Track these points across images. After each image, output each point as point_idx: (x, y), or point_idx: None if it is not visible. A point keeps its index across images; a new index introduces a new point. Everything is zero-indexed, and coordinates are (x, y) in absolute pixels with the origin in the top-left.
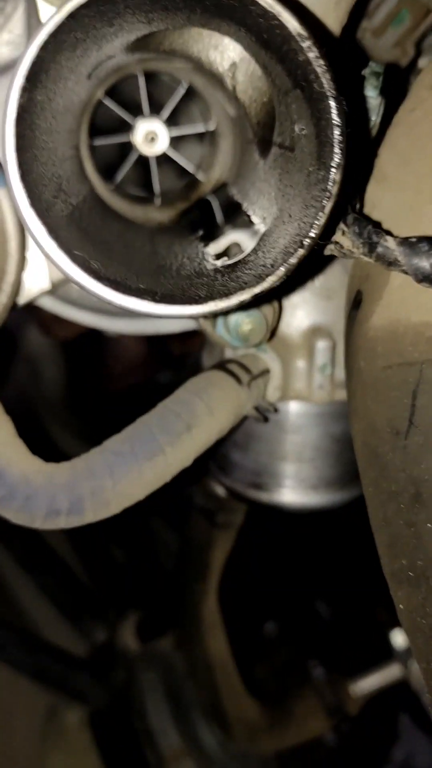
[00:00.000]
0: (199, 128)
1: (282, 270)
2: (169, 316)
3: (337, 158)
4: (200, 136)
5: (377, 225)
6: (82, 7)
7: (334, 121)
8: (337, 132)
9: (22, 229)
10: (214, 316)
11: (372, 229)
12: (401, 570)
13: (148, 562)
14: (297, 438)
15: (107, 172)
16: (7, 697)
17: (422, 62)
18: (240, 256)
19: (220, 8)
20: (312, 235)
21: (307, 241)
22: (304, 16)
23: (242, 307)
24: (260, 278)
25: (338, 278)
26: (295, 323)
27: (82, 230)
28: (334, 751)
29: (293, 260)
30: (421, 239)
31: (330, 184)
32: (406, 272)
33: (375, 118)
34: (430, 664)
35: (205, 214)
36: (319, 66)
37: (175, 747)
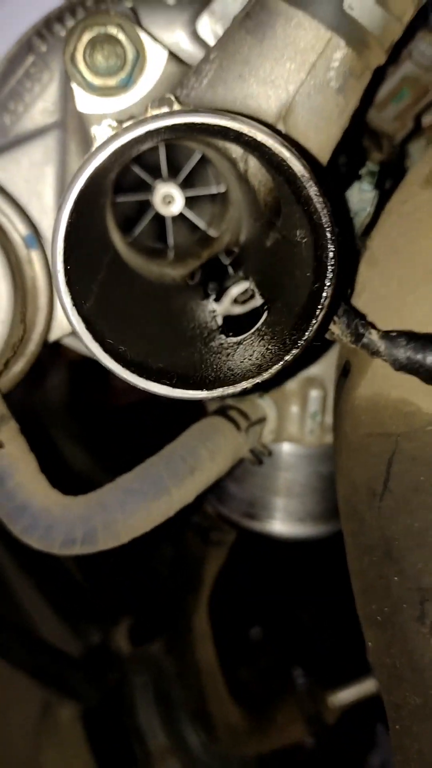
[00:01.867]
0: (211, 190)
1: (278, 365)
2: (183, 398)
3: (328, 289)
4: (212, 196)
5: (363, 317)
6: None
7: (329, 254)
8: (331, 263)
9: (50, 283)
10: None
11: (359, 322)
12: (371, 614)
13: (143, 569)
14: (288, 475)
15: (125, 225)
16: (4, 692)
17: (413, 147)
18: (242, 336)
19: (238, 138)
20: (305, 338)
21: (301, 343)
22: (305, 155)
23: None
24: (260, 367)
25: None
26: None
27: (108, 305)
28: (313, 756)
29: (288, 357)
30: (401, 334)
31: (320, 308)
32: (386, 361)
33: (370, 209)
34: (391, 696)
35: (216, 276)
36: (319, 202)
37: (161, 745)
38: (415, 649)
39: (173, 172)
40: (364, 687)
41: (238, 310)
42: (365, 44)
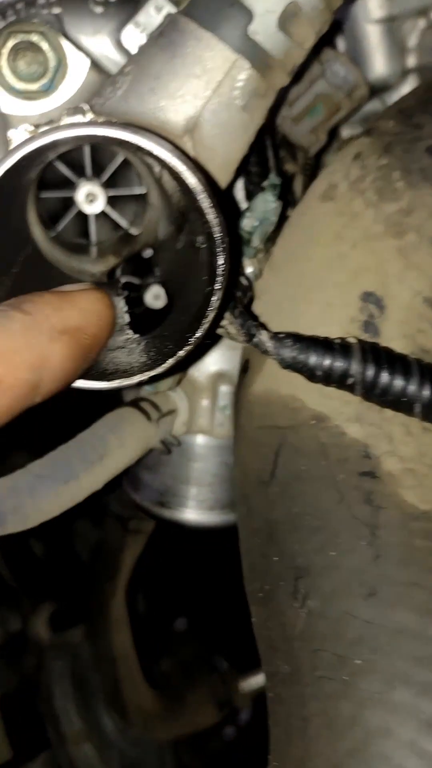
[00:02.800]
0: (133, 191)
1: (172, 360)
2: (81, 389)
3: (218, 293)
4: (135, 196)
5: (256, 318)
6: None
7: (220, 261)
8: (220, 270)
9: None
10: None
11: (251, 323)
12: (255, 591)
13: (65, 554)
14: (199, 465)
15: (49, 220)
16: None
17: (329, 158)
18: (148, 335)
19: (139, 150)
20: (197, 336)
21: (192, 341)
22: (201, 169)
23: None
24: (156, 361)
25: None
26: (203, 368)
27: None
28: (229, 744)
29: (181, 353)
30: (288, 335)
31: (211, 309)
32: (274, 359)
33: (273, 218)
34: (267, 666)
35: (133, 273)
36: (211, 214)
37: (76, 730)
38: (287, 621)
39: (98, 171)
40: None
41: (148, 307)
42: (268, 67)
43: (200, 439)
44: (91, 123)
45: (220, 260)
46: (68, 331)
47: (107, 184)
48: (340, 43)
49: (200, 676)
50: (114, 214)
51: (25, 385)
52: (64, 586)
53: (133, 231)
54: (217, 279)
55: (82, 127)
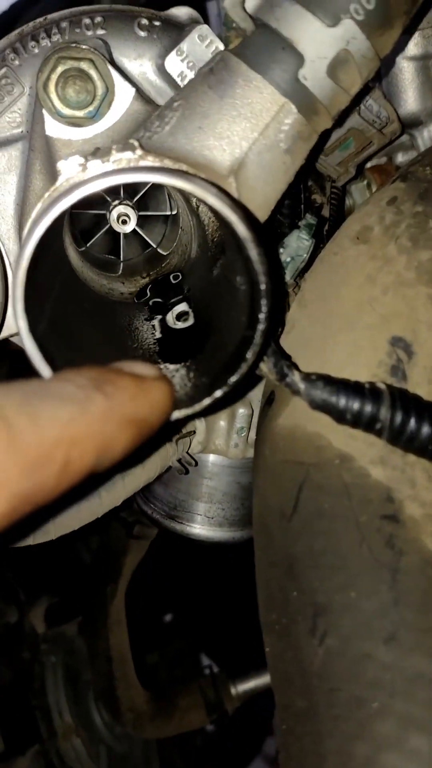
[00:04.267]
0: (164, 211)
1: (209, 400)
2: None
3: (258, 340)
4: (165, 217)
5: (288, 358)
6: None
7: (263, 309)
8: (262, 319)
9: (4, 286)
10: None
11: (284, 363)
12: (271, 622)
13: (64, 550)
14: (211, 483)
15: (79, 235)
16: None
17: (354, 187)
18: (178, 365)
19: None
20: (235, 378)
21: (231, 382)
22: (250, 217)
23: None
24: (192, 398)
25: None
26: None
27: (60, 323)
28: (212, 740)
29: (218, 394)
30: (320, 377)
31: (250, 354)
32: (305, 400)
33: (305, 255)
34: (281, 698)
35: (162, 295)
36: (257, 263)
37: (66, 724)
38: (304, 657)
39: (130, 191)
40: (264, 679)
41: (175, 325)
42: (315, 111)
43: (212, 458)
44: (142, 168)
45: (263, 309)
46: (137, 422)
47: (138, 204)
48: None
49: (188, 676)
50: (143, 233)
51: (88, 468)
52: (61, 581)
53: (162, 251)
54: (258, 328)
55: (135, 172)
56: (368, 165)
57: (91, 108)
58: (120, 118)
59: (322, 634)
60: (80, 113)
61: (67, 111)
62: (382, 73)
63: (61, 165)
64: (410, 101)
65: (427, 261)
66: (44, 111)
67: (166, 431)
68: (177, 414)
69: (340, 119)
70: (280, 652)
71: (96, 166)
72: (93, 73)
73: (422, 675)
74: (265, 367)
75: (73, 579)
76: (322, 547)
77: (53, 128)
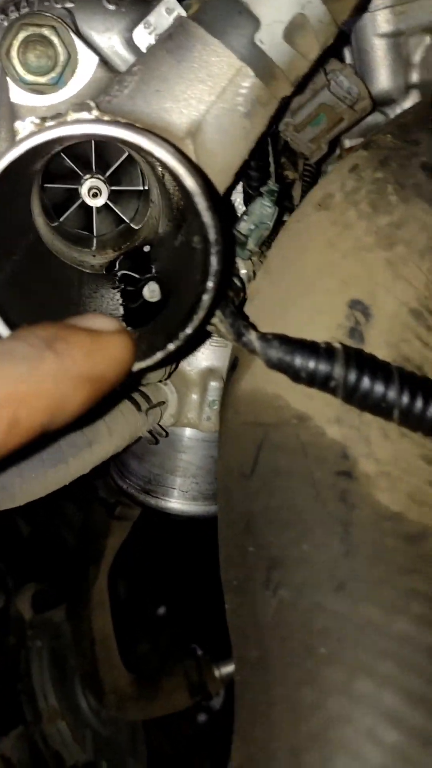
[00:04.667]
0: (136, 187)
1: (159, 354)
2: None
3: (207, 297)
4: (138, 193)
5: (246, 318)
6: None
7: (213, 262)
8: (213, 271)
9: None
10: None
11: (241, 323)
12: (230, 579)
13: (50, 536)
14: (186, 457)
15: (51, 210)
16: None
17: (330, 167)
18: (141, 329)
19: (141, 150)
20: (187, 332)
21: (182, 336)
22: (200, 173)
23: None
24: (145, 354)
25: None
26: (194, 363)
27: (20, 286)
28: (202, 730)
29: (171, 347)
30: (275, 336)
31: (201, 308)
32: (261, 359)
33: (269, 223)
34: (237, 652)
35: (132, 267)
36: (207, 217)
37: (52, 708)
38: (258, 610)
39: (102, 166)
40: None
41: (151, 298)
42: (272, 75)
43: (188, 432)
44: (95, 120)
45: (214, 262)
46: (92, 379)
47: (111, 180)
48: (347, 55)
49: (172, 658)
50: (116, 209)
51: (39, 427)
52: (48, 567)
53: (134, 225)
54: (209, 279)
55: (86, 123)
56: (346, 146)
57: (53, 74)
58: (84, 86)
59: (275, 586)
60: (43, 79)
61: (29, 77)
62: (353, 51)
63: (17, 124)
64: (382, 79)
65: (386, 226)
66: (8, 78)
67: (130, 386)
68: (134, 366)
69: (303, 89)
70: (237, 606)
71: (50, 123)
72: (54, 39)
73: (371, 623)
74: (223, 327)
75: (59, 565)
76: (278, 504)
77: (17, 95)
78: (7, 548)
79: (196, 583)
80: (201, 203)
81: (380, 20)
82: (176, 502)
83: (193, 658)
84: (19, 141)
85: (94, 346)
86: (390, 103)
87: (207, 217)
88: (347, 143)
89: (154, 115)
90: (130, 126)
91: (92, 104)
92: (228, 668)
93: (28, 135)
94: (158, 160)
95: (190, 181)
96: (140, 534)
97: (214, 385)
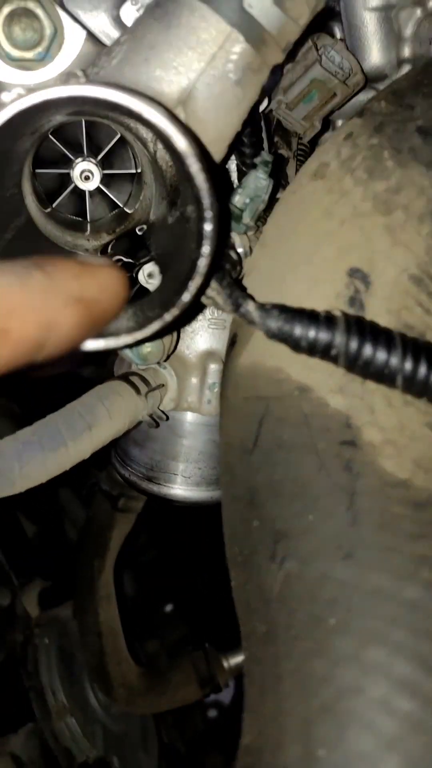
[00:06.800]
0: (128, 170)
1: (156, 324)
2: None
3: (203, 262)
4: (131, 176)
5: (244, 289)
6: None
7: (206, 226)
8: (207, 234)
9: None
10: None
11: (239, 293)
12: (235, 555)
13: (55, 534)
14: (187, 442)
15: (45, 195)
16: None
17: (325, 136)
18: (135, 304)
19: (131, 114)
20: (183, 300)
21: (179, 304)
22: (192, 135)
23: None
24: (142, 325)
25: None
26: (193, 346)
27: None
28: (213, 724)
29: (167, 317)
30: (274, 306)
31: (197, 273)
32: (260, 329)
33: (264, 196)
34: (244, 627)
35: (126, 250)
36: (200, 179)
37: (61, 704)
38: (265, 583)
39: (94, 150)
40: None
41: (147, 284)
42: (263, 41)
43: (189, 416)
44: (84, 83)
45: (208, 226)
46: (83, 301)
47: (103, 164)
48: (337, 31)
49: (180, 650)
50: (110, 192)
51: (31, 341)
52: (54, 564)
53: (128, 209)
54: (203, 243)
55: (74, 86)
56: (340, 124)
57: (40, 49)
58: (72, 62)
59: (281, 559)
60: (29, 54)
61: (15, 52)
62: (343, 27)
63: (4, 95)
64: (374, 54)
65: (383, 191)
66: None
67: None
68: (128, 338)
69: (297, 65)
70: (243, 581)
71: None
72: (40, 12)
73: (381, 590)
74: (220, 299)
75: (64, 561)
76: (282, 476)
77: (3, 72)
78: (11, 546)
79: (202, 575)
80: (193, 165)
81: None
82: (179, 488)
83: (201, 650)
84: (6, 105)
85: (82, 270)
86: (382, 78)
87: (200, 179)
88: (339, 124)
89: (143, 84)
90: (119, 87)
91: (79, 73)
92: (237, 659)
93: (14, 101)
94: (148, 122)
95: (181, 143)
96: (144, 527)
97: (214, 368)
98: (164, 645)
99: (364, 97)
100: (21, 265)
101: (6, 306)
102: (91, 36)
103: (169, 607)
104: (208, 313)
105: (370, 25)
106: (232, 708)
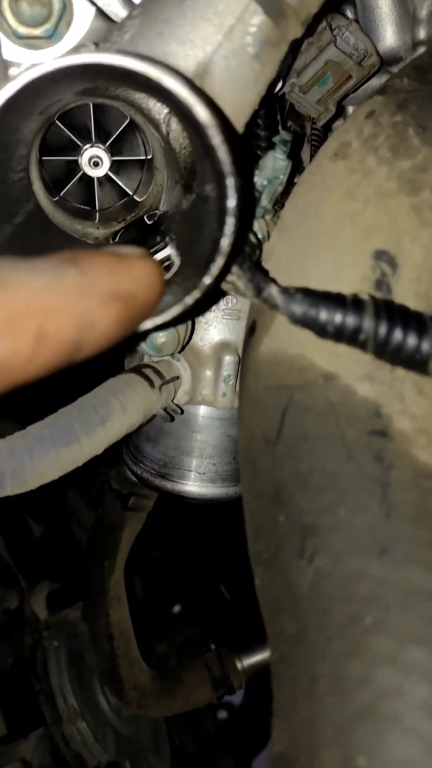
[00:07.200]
0: (138, 156)
1: (177, 308)
2: None
3: (227, 241)
4: (140, 163)
5: (266, 273)
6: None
7: (230, 202)
8: (230, 211)
9: None
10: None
11: (261, 277)
12: (259, 552)
13: (63, 536)
14: (201, 437)
15: (53, 184)
16: None
17: (336, 124)
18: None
19: (147, 86)
20: (205, 282)
21: (201, 286)
22: (215, 108)
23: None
24: (161, 310)
25: (247, 303)
26: (207, 338)
27: (21, 250)
28: (224, 726)
29: (189, 300)
30: (298, 290)
31: (220, 254)
32: (284, 314)
33: (283, 177)
34: (272, 627)
35: (137, 238)
36: (221, 151)
37: (71, 708)
38: (293, 581)
39: (103, 137)
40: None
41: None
42: (282, 14)
43: (203, 410)
44: (96, 51)
45: (231, 202)
46: (120, 297)
47: (112, 151)
48: (349, 13)
49: (192, 652)
50: (119, 180)
51: (69, 344)
52: (61, 565)
53: (138, 198)
54: (226, 220)
55: (88, 54)
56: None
57: (48, 26)
58: (81, 39)
59: (310, 555)
60: (37, 31)
61: (22, 30)
62: (357, 8)
63: (13, 70)
64: (388, 36)
65: (409, 170)
66: (0, 33)
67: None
68: (149, 323)
69: (311, 48)
70: (270, 580)
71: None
72: None
73: (419, 587)
74: (241, 283)
75: (73, 563)
76: (309, 468)
77: (10, 51)
78: (18, 547)
79: (211, 576)
80: (215, 137)
81: None
82: (193, 485)
83: (213, 651)
84: (15, 77)
85: (118, 264)
86: (397, 61)
87: (222, 151)
88: (351, 110)
89: (158, 60)
90: (135, 55)
91: (91, 45)
92: (250, 660)
93: (26, 69)
94: (167, 91)
95: (203, 113)
96: (154, 527)
97: (229, 360)
98: (173, 646)
99: (377, 82)
100: (54, 262)
101: (42, 308)
102: (101, 13)
103: (177, 608)
104: (222, 303)
105: (384, 6)
106: (243, 709)
